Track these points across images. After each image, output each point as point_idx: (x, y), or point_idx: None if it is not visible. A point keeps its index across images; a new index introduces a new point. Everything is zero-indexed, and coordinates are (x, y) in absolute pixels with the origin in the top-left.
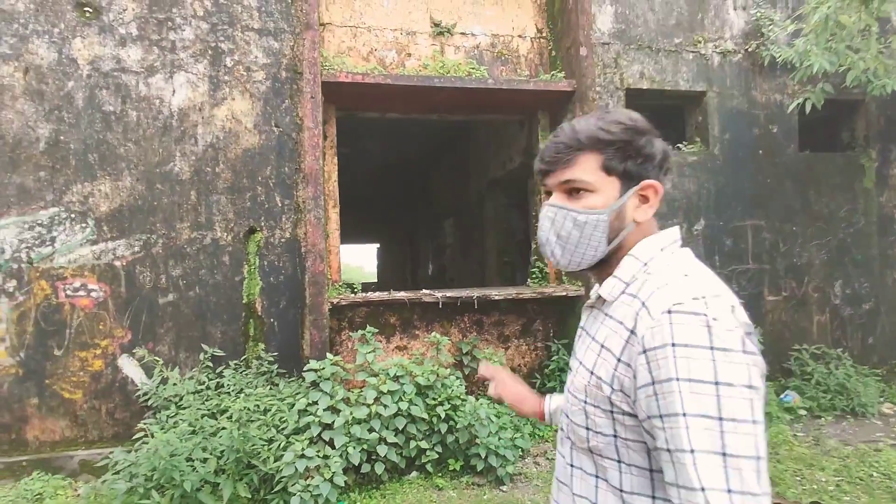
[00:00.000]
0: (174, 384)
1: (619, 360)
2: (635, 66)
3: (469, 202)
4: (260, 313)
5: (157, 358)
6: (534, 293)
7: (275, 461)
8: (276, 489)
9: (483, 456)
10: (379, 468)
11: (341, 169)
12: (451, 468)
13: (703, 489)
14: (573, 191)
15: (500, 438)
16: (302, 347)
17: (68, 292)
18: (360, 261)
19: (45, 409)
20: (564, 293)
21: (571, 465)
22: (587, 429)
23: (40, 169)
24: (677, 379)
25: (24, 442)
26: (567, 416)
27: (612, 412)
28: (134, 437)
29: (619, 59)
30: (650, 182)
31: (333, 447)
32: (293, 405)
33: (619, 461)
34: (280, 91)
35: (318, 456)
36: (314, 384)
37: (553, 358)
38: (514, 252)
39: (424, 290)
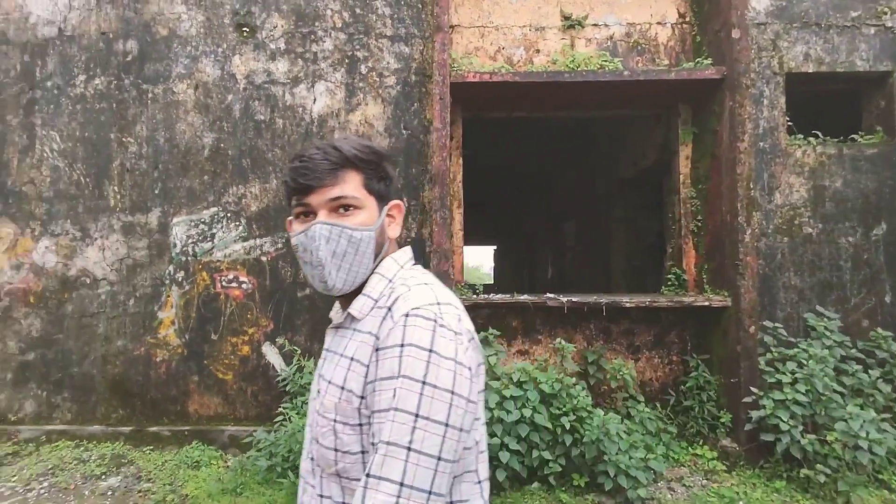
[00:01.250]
0: (309, 373)
1: (367, 367)
2: (798, 47)
3: (593, 203)
4: None
5: (295, 347)
6: (670, 302)
7: None
8: None
9: (612, 475)
10: (500, 475)
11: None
12: (575, 483)
13: (379, 478)
14: (342, 208)
15: (630, 458)
16: None
17: (223, 283)
18: (476, 261)
19: (203, 386)
20: (707, 303)
21: (321, 496)
22: (335, 450)
23: (204, 173)
24: (397, 377)
25: (186, 414)
26: (317, 442)
27: (360, 425)
28: (274, 420)
29: (778, 40)
30: (396, 202)
31: None
32: None
33: None
34: (409, 95)
35: None
36: None
37: (691, 374)
38: (643, 256)
39: (549, 294)
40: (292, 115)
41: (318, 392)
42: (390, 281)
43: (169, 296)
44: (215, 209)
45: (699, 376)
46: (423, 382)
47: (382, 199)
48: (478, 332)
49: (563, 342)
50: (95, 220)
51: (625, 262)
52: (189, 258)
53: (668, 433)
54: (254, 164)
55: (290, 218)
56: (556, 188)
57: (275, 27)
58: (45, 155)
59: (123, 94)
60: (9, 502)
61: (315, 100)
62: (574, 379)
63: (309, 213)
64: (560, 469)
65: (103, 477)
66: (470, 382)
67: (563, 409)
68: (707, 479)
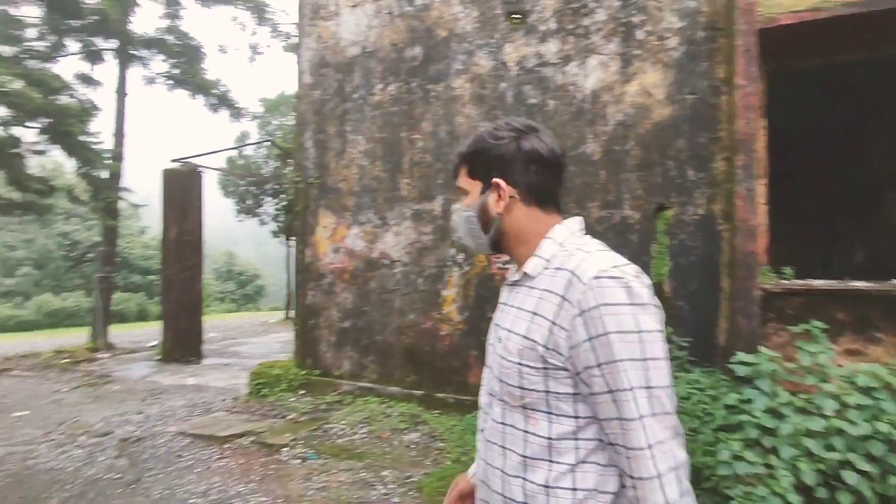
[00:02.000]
0: None
1: (553, 322)
2: None
3: None
4: (668, 295)
5: None
6: None
7: (703, 454)
8: (703, 485)
9: None
10: (844, 499)
11: None
12: None
13: (640, 417)
14: (462, 194)
15: None
16: (716, 336)
17: (499, 265)
18: None
19: (481, 360)
20: None
21: (503, 423)
22: (521, 388)
23: None
24: (609, 333)
25: (467, 384)
26: (499, 381)
27: (545, 369)
28: None
29: None
30: (496, 180)
31: (778, 457)
32: (716, 398)
33: (548, 412)
34: (695, 54)
35: (760, 463)
36: (743, 379)
37: None
38: None
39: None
40: (563, 95)
41: (499, 339)
42: (561, 245)
43: (451, 276)
44: None
45: None
46: (639, 332)
47: (484, 181)
48: (794, 323)
49: None
50: (391, 209)
51: None
52: None
53: None
54: None
55: None
56: (876, 151)
57: (544, 8)
58: (353, 156)
59: (412, 96)
60: (343, 440)
61: (587, 76)
62: None
63: None
64: None
65: (405, 431)
66: (662, 317)
67: None
68: None
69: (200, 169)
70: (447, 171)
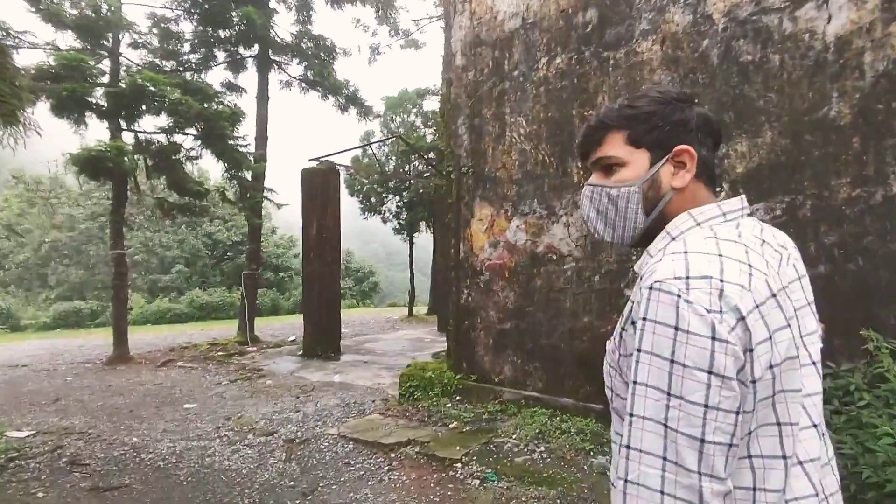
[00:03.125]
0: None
1: (623, 328)
2: None
3: None
4: None
5: None
6: None
7: None
8: None
9: None
10: None
11: None
12: None
13: (639, 451)
14: (607, 168)
15: None
16: None
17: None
18: None
19: None
20: None
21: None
22: (611, 389)
23: None
24: (640, 350)
25: None
26: None
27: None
28: None
29: None
30: (684, 147)
31: None
32: None
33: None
34: None
35: None
36: None
37: None
38: None
39: None
40: (794, 47)
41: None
42: (673, 239)
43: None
44: None
45: None
46: (672, 361)
47: (662, 148)
48: None
49: None
50: (560, 197)
51: None
52: None
53: None
54: (738, 115)
55: None
56: None
57: None
58: (513, 140)
59: (584, 68)
60: (521, 458)
61: (830, 18)
62: None
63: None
64: None
65: (591, 453)
66: (727, 358)
67: None
68: None
69: (338, 167)
70: None
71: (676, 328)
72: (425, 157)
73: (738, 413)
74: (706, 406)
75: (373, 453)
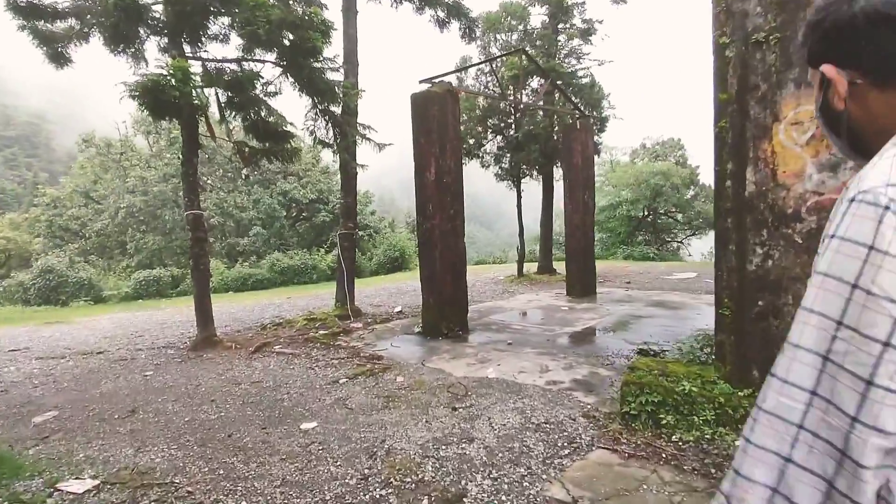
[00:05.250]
0: None
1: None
2: None
3: None
4: None
5: None
6: None
7: None
8: None
9: None
10: None
11: None
12: None
13: (783, 381)
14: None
15: None
16: None
17: None
18: None
19: None
20: None
21: None
22: None
23: None
24: (816, 272)
25: None
26: None
27: None
28: None
29: None
30: (822, 68)
31: None
32: None
33: None
34: None
35: None
36: None
37: None
38: None
39: None
40: None
41: None
42: (880, 157)
43: None
44: None
45: None
46: (854, 286)
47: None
48: None
49: None
50: None
51: None
52: None
53: None
54: None
55: None
56: None
57: None
58: None
59: None
60: None
61: None
62: None
63: None
64: None
65: None
66: None
67: None
68: None
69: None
70: None
71: (871, 248)
72: (555, 82)
73: None
74: (886, 344)
75: None
